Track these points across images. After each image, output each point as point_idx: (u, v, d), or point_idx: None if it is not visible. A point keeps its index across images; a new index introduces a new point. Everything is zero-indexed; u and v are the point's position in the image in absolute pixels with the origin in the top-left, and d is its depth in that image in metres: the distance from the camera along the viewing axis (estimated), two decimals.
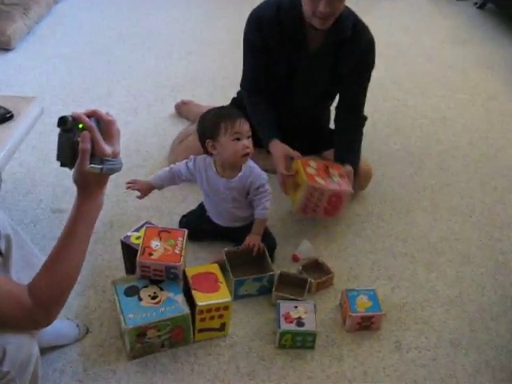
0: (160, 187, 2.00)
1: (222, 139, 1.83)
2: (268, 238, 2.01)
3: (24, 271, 1.39)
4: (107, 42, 3.56)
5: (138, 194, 1.96)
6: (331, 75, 2.23)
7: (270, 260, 1.92)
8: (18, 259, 1.41)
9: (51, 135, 2.59)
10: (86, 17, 3.90)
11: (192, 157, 1.98)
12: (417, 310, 1.91)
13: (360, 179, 2.30)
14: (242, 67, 2.28)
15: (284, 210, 2.28)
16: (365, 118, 2.32)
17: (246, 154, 1.85)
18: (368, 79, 2.25)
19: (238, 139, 1.83)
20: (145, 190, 1.96)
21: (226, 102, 2.42)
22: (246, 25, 2.20)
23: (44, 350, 1.62)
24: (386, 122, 2.92)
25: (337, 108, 2.35)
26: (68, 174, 2.34)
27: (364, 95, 2.28)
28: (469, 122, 3.00)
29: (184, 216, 2.12)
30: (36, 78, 3.08)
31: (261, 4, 2.18)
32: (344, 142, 2.26)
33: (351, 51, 2.15)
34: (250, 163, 1.93)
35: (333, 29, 2.05)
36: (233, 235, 2.02)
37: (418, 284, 2.00)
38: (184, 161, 1.99)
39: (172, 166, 2.01)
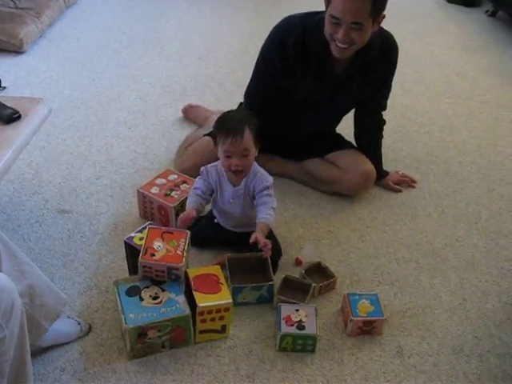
0: (198, 210, 1.88)
1: (219, 149, 1.83)
2: (274, 246, 1.98)
3: (18, 280, 1.41)
4: (118, 47, 3.59)
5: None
6: (358, 96, 2.22)
7: (271, 269, 1.88)
8: (11, 269, 1.43)
9: (60, 137, 2.62)
10: (97, 21, 3.94)
11: (202, 169, 1.93)
12: (419, 315, 1.89)
13: (363, 180, 2.32)
14: (250, 73, 2.25)
15: (288, 213, 2.28)
16: (385, 122, 2.40)
17: (237, 171, 1.82)
18: (392, 77, 2.26)
19: (229, 156, 1.80)
20: (191, 219, 1.82)
21: (234, 106, 2.42)
22: (268, 43, 2.11)
23: (45, 349, 1.64)
24: (393, 127, 2.91)
25: (360, 112, 2.36)
26: (74, 175, 2.37)
27: (388, 96, 2.31)
28: (477, 129, 2.99)
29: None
30: (46, 81, 3.12)
31: (284, 22, 2.08)
32: (373, 145, 2.43)
33: (382, 69, 2.15)
34: (255, 166, 1.90)
35: (359, 52, 2.00)
36: (239, 242, 1.93)
37: (421, 290, 1.99)
38: (197, 178, 1.95)
39: (192, 188, 1.95)
